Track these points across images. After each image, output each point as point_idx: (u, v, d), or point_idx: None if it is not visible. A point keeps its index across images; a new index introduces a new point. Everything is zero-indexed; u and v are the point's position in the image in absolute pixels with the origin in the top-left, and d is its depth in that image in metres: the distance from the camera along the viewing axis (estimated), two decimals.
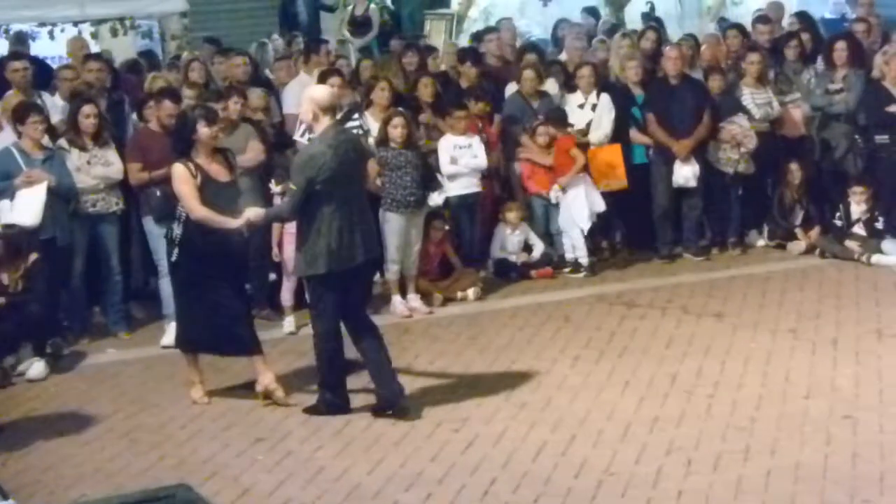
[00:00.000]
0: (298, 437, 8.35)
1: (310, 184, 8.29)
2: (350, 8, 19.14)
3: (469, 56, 13.83)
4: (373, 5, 19.20)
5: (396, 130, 11.18)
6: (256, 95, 11.98)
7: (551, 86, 13.37)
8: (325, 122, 8.43)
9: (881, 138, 12.97)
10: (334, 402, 8.70)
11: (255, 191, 10.70)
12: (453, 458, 7.77)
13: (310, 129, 8.76)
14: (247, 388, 9.12)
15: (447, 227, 12.06)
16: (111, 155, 10.82)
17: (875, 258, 12.17)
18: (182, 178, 8.65)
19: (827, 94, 13.24)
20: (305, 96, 8.64)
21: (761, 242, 13.52)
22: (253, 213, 8.80)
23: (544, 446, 7.87)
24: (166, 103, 10.81)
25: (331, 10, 19.73)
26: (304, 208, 8.43)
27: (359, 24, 18.05)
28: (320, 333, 8.66)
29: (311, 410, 8.75)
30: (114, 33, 15.89)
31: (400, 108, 11.73)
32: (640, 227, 13.52)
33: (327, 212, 8.34)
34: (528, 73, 13.04)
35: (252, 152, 11.03)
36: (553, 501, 7.06)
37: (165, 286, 10.63)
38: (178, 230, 8.85)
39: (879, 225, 12.76)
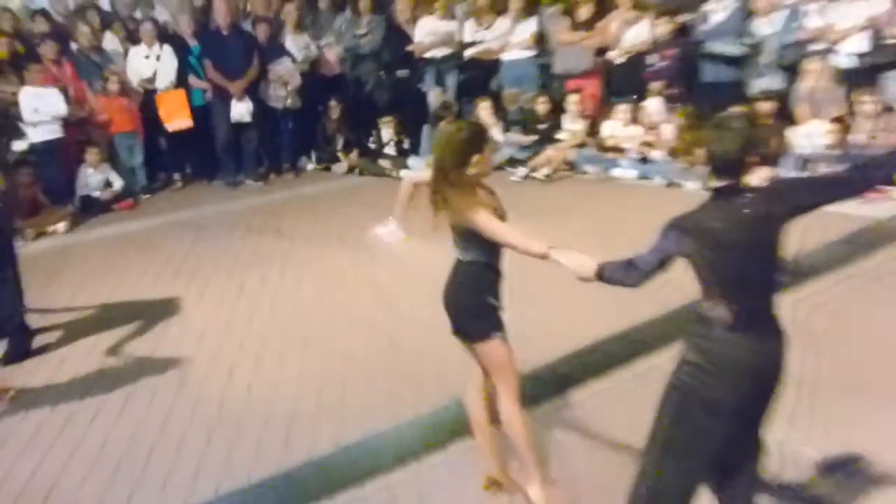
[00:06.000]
0: None
1: None
2: None
3: (40, 14, 13.90)
4: None
5: None
6: None
7: (110, 41, 13.60)
8: None
9: (402, 73, 14.09)
10: None
11: None
12: (50, 396, 7.55)
13: None
14: None
15: (32, 171, 12.12)
16: None
17: (403, 173, 12.88)
18: None
19: (355, 37, 14.09)
20: None
21: (311, 166, 14.38)
22: None
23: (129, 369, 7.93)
24: None
25: None
26: None
27: None
28: None
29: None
30: None
31: None
32: (205, 160, 14.16)
33: None
34: (84, 29, 13.24)
35: None
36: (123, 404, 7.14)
37: None
38: None
39: (405, 146, 13.87)
